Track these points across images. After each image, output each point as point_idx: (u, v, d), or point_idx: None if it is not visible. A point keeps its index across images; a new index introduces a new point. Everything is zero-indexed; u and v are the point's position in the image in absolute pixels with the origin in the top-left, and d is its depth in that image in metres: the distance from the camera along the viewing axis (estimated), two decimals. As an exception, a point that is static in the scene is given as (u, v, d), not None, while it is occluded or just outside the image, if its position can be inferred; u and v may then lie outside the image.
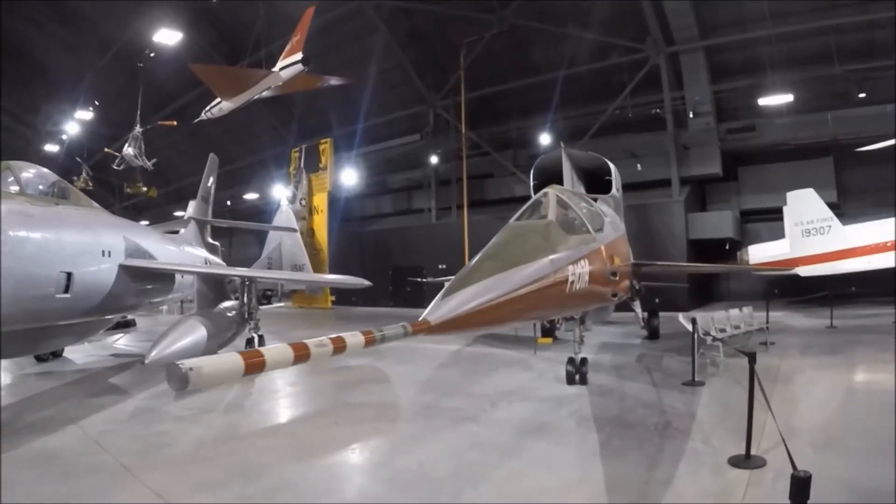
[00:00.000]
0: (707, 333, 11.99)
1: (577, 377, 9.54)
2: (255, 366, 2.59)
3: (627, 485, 5.27)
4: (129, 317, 19.92)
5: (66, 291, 8.51)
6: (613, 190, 11.86)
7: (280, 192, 34.14)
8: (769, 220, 23.83)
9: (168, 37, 24.25)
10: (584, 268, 5.99)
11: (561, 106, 26.96)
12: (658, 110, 24.39)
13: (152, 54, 26.83)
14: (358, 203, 36.50)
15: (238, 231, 41.04)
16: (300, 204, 32.27)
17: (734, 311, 13.15)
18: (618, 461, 5.83)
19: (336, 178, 32.96)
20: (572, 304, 6.19)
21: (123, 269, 10.07)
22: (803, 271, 18.42)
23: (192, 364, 2.37)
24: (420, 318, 3.76)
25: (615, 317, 16.79)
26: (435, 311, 3.90)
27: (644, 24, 23.49)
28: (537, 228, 6.15)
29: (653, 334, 15.28)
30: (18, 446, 6.66)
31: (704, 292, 25.44)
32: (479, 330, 4.68)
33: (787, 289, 21.32)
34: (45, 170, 9.61)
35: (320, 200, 32.51)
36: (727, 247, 24.33)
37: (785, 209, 19.41)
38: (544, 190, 7.32)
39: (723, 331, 12.27)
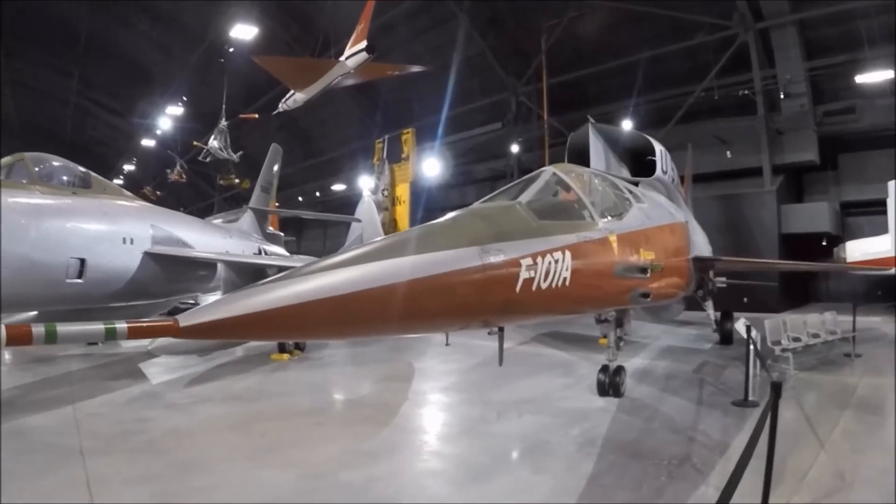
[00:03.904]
0: (776, 342, 10.54)
1: (610, 389, 8.32)
2: None
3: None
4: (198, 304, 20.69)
5: (78, 277, 8.67)
6: (658, 172, 10.40)
7: (365, 182, 34.52)
8: (873, 213, 21.16)
9: (245, 32, 24.91)
10: (561, 261, 4.98)
11: (644, 89, 25.18)
12: (748, 92, 22.18)
13: (231, 49, 27.76)
14: (442, 193, 36.14)
15: (331, 223, 41.94)
16: (382, 194, 32.44)
17: (813, 317, 11.40)
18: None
19: (418, 168, 32.88)
20: (538, 308, 4.97)
21: (149, 256, 10.22)
22: None
23: None
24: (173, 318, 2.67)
25: (692, 317, 15.21)
26: (205, 311, 2.75)
27: (731, -2, 21.40)
28: (490, 212, 4.92)
29: (725, 339, 13.65)
30: (4, 422, 6.76)
31: (799, 292, 23.03)
32: (301, 337, 3.47)
33: (893, 291, 18.68)
34: (68, 161, 9.89)
35: (403, 191, 32.47)
36: (824, 242, 21.71)
37: (888, 201, 16.89)
38: (542, 168, 6.35)
39: (797, 339, 10.66)
